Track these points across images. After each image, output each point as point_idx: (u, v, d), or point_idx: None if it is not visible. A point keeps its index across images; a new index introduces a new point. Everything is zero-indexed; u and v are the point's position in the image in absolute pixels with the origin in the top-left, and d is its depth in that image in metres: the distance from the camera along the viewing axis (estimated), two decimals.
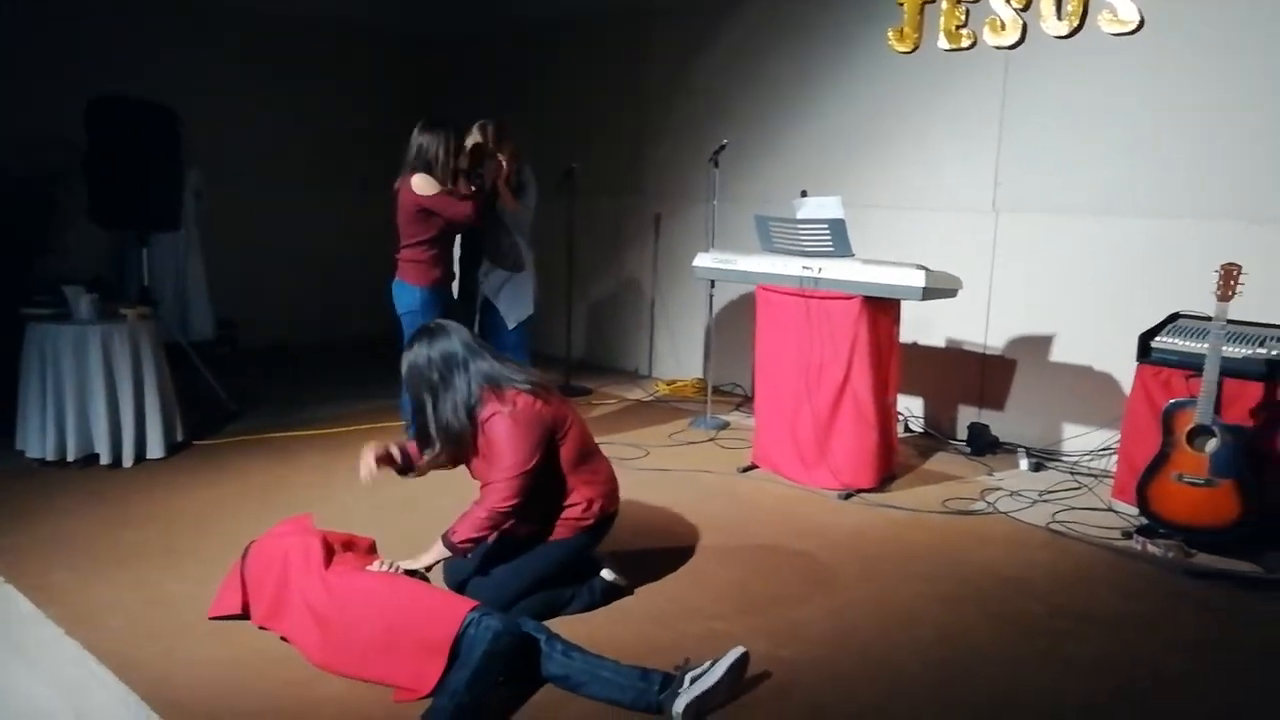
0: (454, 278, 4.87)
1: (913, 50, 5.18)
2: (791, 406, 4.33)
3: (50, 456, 4.29)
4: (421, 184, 4.28)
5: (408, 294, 4.42)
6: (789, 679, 2.67)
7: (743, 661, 2.55)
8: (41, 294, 4.53)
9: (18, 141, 5.53)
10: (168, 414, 4.57)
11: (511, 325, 5.01)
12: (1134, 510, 3.81)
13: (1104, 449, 4.60)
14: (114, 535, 3.61)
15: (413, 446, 3.08)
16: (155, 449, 4.50)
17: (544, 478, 2.92)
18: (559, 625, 2.78)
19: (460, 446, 2.94)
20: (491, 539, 2.93)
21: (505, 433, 2.83)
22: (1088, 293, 4.71)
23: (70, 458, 4.31)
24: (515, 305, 5.01)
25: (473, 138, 4.71)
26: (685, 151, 6.27)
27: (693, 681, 2.45)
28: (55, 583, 3.18)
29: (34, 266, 5.36)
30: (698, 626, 2.97)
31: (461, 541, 2.85)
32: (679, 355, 6.59)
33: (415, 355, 2.94)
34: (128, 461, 4.41)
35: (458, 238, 4.82)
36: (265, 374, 6.41)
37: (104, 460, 4.35)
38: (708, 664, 2.50)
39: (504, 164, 4.73)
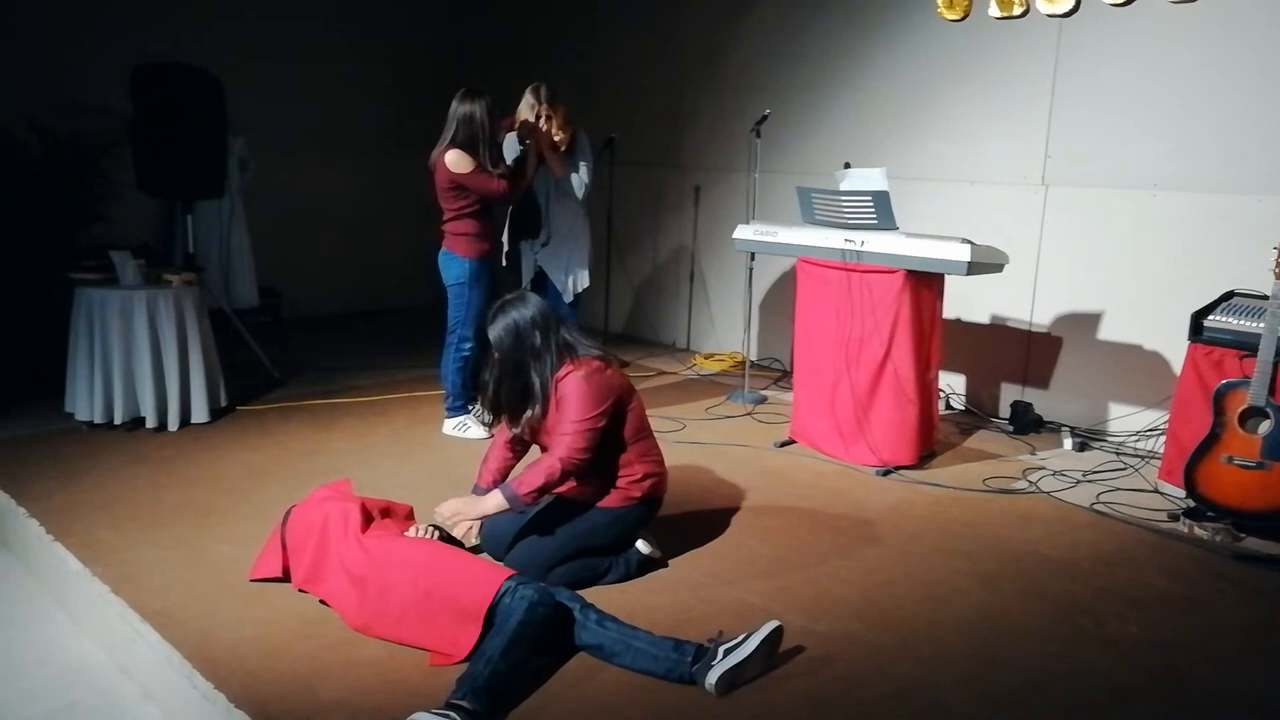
0: (504, 248, 4.86)
1: (963, 18, 5.05)
2: (831, 381, 4.28)
3: (98, 419, 4.38)
4: (455, 160, 4.24)
5: (456, 265, 4.42)
6: (824, 653, 2.65)
7: (777, 635, 2.54)
8: (89, 259, 4.60)
9: (64, 109, 5.60)
10: (212, 379, 4.65)
11: (569, 299, 4.93)
12: (1181, 492, 3.73)
13: (1151, 429, 4.50)
14: (158, 497, 3.68)
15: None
16: (200, 413, 4.57)
17: (605, 444, 2.98)
18: (594, 595, 2.79)
19: (546, 405, 3.00)
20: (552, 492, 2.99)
21: (576, 390, 2.91)
22: (1139, 269, 4.59)
23: (117, 420, 4.40)
24: (571, 278, 4.94)
25: (525, 105, 4.62)
26: (726, 122, 6.20)
27: (726, 654, 2.45)
28: (101, 541, 3.24)
29: (81, 233, 5.45)
30: (732, 600, 2.97)
31: (528, 493, 2.88)
32: (717, 329, 6.55)
33: (517, 319, 2.97)
34: (173, 425, 4.48)
35: (510, 208, 4.77)
36: (307, 342, 6.48)
37: (150, 424, 4.44)
38: (742, 637, 2.49)
39: (550, 129, 4.60)
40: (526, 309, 2.99)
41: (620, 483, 3.03)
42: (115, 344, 4.34)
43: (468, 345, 4.48)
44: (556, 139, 4.66)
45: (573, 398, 2.91)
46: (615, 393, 2.99)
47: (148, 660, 2.66)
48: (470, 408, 4.54)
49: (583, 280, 4.97)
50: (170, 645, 2.60)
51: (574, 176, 4.73)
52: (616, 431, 3.01)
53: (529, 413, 3.02)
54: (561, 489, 3.04)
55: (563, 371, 2.95)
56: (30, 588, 3.29)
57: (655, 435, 3.22)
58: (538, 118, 4.60)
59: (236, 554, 3.14)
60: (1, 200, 4.71)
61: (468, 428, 4.54)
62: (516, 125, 4.64)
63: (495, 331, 3.00)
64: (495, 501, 2.93)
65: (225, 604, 2.85)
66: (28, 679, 2.74)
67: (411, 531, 2.92)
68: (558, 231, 4.86)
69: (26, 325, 5.04)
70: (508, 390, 3.04)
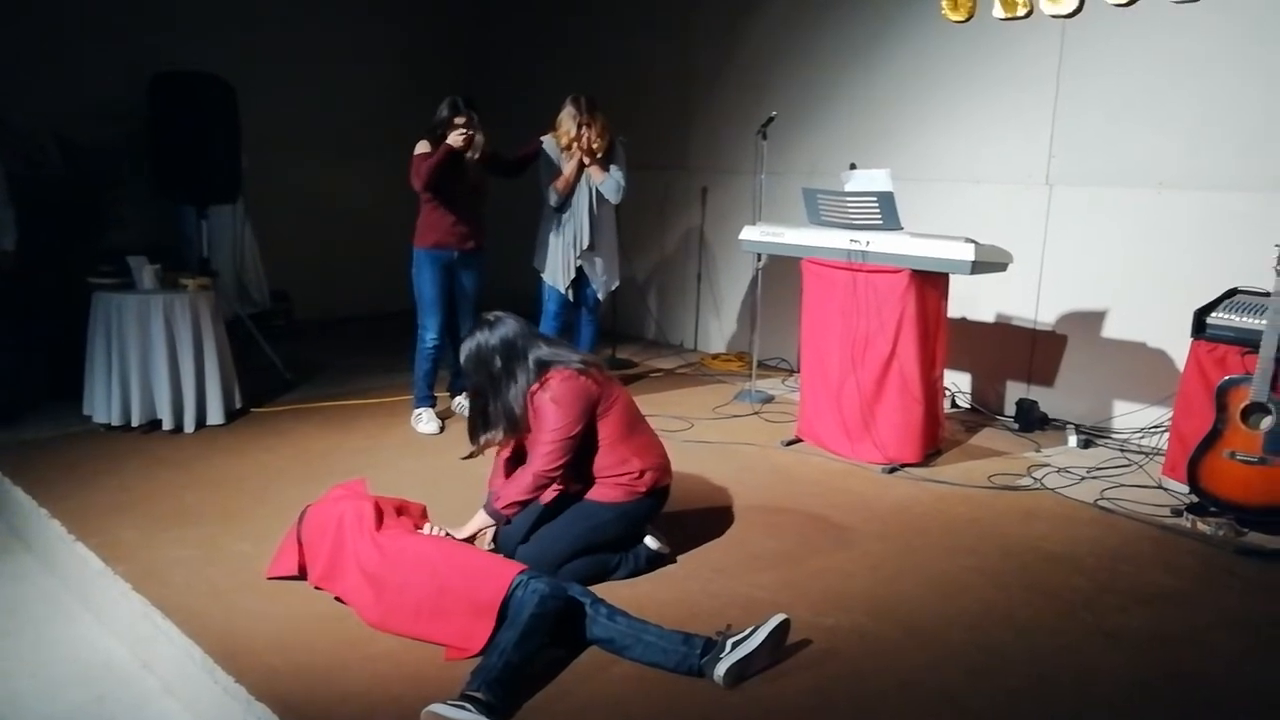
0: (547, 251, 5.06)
1: (967, 19, 5.09)
2: (837, 380, 4.33)
3: (116, 422, 4.45)
4: (420, 145, 4.49)
5: (413, 254, 4.68)
6: (830, 647, 2.70)
7: (784, 628, 2.59)
8: (106, 264, 4.68)
9: (82, 115, 5.68)
10: (227, 382, 4.72)
11: (603, 296, 5.23)
12: (1184, 488, 3.76)
13: (1155, 426, 4.53)
14: (176, 497, 3.74)
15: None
16: (215, 416, 4.64)
17: (591, 445, 3.02)
18: (604, 590, 2.83)
19: (518, 428, 3.04)
20: (539, 499, 3.04)
21: (549, 404, 2.94)
22: (1142, 267, 4.62)
23: (135, 423, 4.47)
24: (608, 277, 5.20)
25: (567, 115, 4.82)
26: (732, 124, 6.24)
27: (734, 647, 2.49)
28: (122, 541, 3.31)
29: (98, 237, 5.52)
30: (740, 594, 3.01)
31: (506, 506, 2.95)
32: (724, 329, 6.60)
33: (477, 344, 3.03)
34: (189, 427, 4.55)
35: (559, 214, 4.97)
36: (319, 345, 6.54)
37: (167, 426, 4.50)
38: (749, 630, 2.54)
39: (590, 136, 4.81)
40: (492, 333, 3.02)
41: (622, 479, 3.06)
42: (132, 347, 4.41)
43: (429, 337, 4.68)
44: (594, 146, 4.87)
45: (547, 413, 2.94)
46: (590, 400, 2.98)
47: (169, 656, 2.72)
48: (433, 401, 4.78)
49: (614, 280, 5.25)
50: (191, 641, 2.65)
51: (609, 180, 4.96)
52: (604, 432, 3.03)
53: (487, 434, 3.08)
54: (566, 489, 3.10)
55: (535, 387, 2.98)
56: (53, 587, 3.36)
57: (657, 433, 3.25)
58: (579, 126, 4.81)
59: (255, 552, 3.20)
60: (22, 206, 4.79)
61: (420, 420, 4.73)
62: (556, 134, 4.87)
63: (462, 355, 3.08)
64: (479, 520, 3.01)
65: (244, 601, 2.90)
66: (54, 674, 2.81)
67: (425, 530, 2.97)
68: (599, 235, 5.08)
69: (46, 329, 5.12)
70: (473, 412, 3.12)
